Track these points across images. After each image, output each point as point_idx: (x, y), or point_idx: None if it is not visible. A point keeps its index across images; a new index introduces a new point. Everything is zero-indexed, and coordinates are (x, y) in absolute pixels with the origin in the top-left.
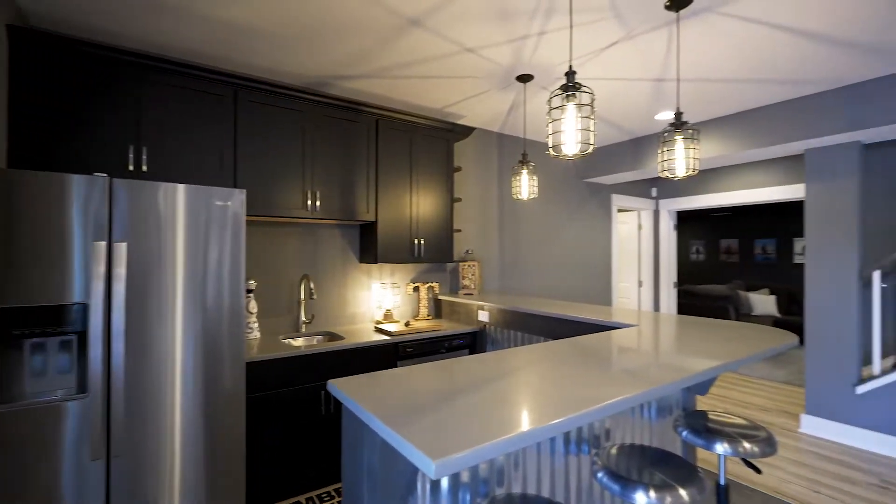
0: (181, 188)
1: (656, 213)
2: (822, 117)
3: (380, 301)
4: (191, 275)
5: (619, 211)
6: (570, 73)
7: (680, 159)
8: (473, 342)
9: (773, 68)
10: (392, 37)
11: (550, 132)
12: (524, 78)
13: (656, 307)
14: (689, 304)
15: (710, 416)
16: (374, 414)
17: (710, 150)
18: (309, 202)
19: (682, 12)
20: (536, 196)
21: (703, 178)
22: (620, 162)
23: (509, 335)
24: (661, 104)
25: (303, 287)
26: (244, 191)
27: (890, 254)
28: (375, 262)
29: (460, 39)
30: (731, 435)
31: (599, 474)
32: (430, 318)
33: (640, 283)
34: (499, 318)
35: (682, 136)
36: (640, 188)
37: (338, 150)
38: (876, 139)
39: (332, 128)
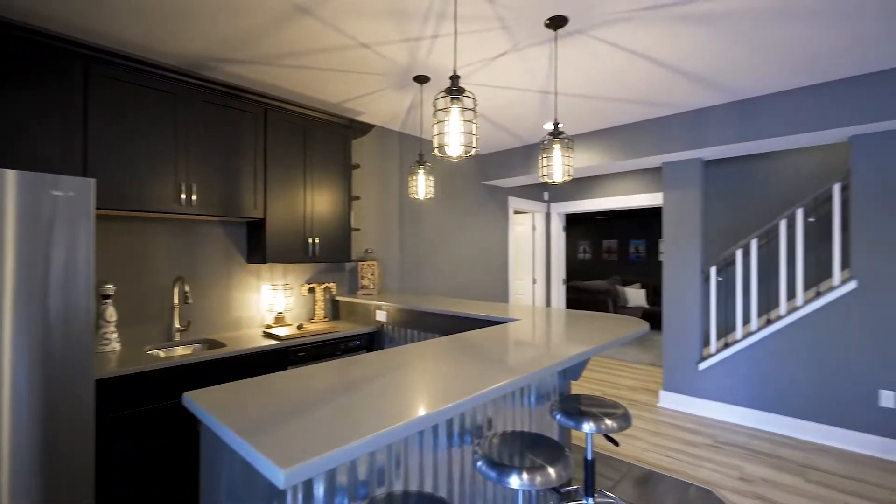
0: (10, 174)
1: (548, 216)
2: (672, 136)
3: (271, 304)
4: (24, 277)
5: (516, 213)
6: (455, 78)
7: (557, 166)
8: (371, 342)
9: (635, 90)
10: (280, 21)
11: (436, 133)
12: (421, 79)
13: (548, 302)
14: (577, 298)
15: (582, 399)
16: (229, 425)
17: (588, 160)
18: (183, 195)
19: (559, 31)
20: (433, 196)
21: (587, 185)
22: (515, 166)
23: (406, 334)
24: (547, 115)
25: (176, 290)
26: (93, 180)
27: (722, 252)
28: (265, 262)
29: (354, 33)
30: (595, 414)
31: (479, 463)
32: (326, 319)
33: (534, 281)
34: (396, 317)
35: (559, 145)
36: (534, 192)
37: (220, 140)
38: (713, 157)
39: (213, 114)
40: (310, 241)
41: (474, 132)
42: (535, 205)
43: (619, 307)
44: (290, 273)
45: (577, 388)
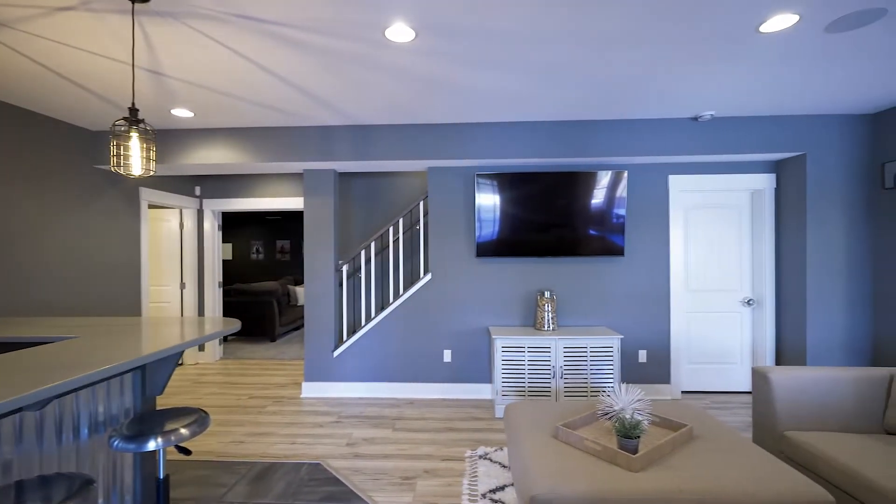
0: None
1: (200, 213)
2: (309, 146)
3: None
4: None
5: (152, 207)
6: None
7: (136, 157)
8: None
9: (266, 96)
10: None
11: None
12: None
13: (200, 309)
14: (241, 301)
15: (154, 416)
16: None
17: (229, 157)
18: None
19: (141, 6)
20: None
21: (247, 183)
22: None
23: None
24: (175, 101)
25: None
26: None
27: (351, 253)
28: None
29: None
30: (164, 430)
31: None
32: None
33: (182, 285)
34: None
35: (137, 134)
36: (181, 185)
37: None
38: (346, 170)
39: None
40: None
41: None
42: (184, 200)
43: (290, 306)
44: None
45: (220, 396)
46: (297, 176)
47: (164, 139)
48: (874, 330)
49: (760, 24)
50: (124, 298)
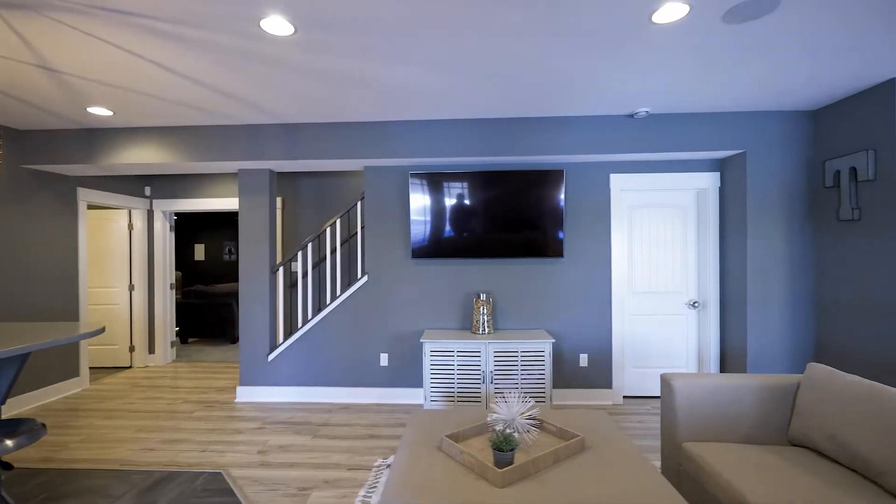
0: None
1: (150, 213)
2: (238, 146)
3: None
4: None
5: (95, 207)
6: None
7: None
8: None
9: (171, 93)
10: None
11: None
12: None
13: (150, 310)
14: (201, 303)
15: None
16: None
17: (163, 157)
18: None
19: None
20: None
21: (201, 183)
22: (72, 152)
23: None
24: (87, 99)
25: None
26: None
27: (290, 255)
28: None
29: None
30: None
31: None
32: None
33: (131, 287)
34: None
35: None
36: (129, 185)
37: None
38: (283, 169)
39: None
40: None
41: None
42: (132, 200)
43: None
44: None
45: (153, 401)
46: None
47: (89, 138)
48: (817, 333)
49: (652, 13)
50: (60, 301)
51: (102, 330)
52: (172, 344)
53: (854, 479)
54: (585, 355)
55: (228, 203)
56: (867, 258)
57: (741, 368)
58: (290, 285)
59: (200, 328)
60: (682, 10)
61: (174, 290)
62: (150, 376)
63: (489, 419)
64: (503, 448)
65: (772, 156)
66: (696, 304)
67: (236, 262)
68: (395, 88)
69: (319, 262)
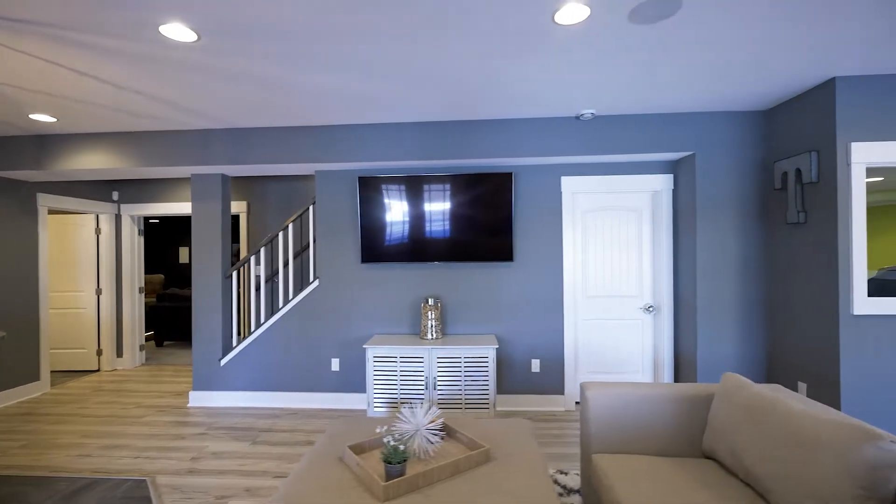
0: None
1: (119, 218)
2: (186, 151)
3: None
4: None
5: (57, 213)
6: None
7: None
8: None
9: (103, 100)
10: None
11: None
12: None
13: (119, 314)
14: (175, 306)
15: None
16: None
17: (113, 162)
18: None
19: None
20: None
21: (169, 187)
22: (24, 158)
23: None
24: (25, 106)
25: None
26: None
27: (244, 259)
28: None
29: None
30: None
31: None
32: None
33: (99, 291)
34: None
35: None
36: (95, 190)
37: None
38: (234, 174)
39: None
40: None
41: None
42: (98, 205)
43: None
44: None
45: (108, 405)
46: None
47: (40, 144)
48: (768, 338)
49: (554, 14)
50: (19, 305)
51: (2, 336)
52: (142, 347)
53: (749, 495)
54: (538, 361)
55: (186, 207)
56: (812, 262)
57: (693, 376)
58: (255, 289)
59: (175, 331)
60: (583, 12)
61: (143, 294)
62: (115, 380)
63: (378, 430)
64: (392, 460)
65: (722, 157)
66: (651, 309)
67: None
68: (325, 93)
69: (285, 266)
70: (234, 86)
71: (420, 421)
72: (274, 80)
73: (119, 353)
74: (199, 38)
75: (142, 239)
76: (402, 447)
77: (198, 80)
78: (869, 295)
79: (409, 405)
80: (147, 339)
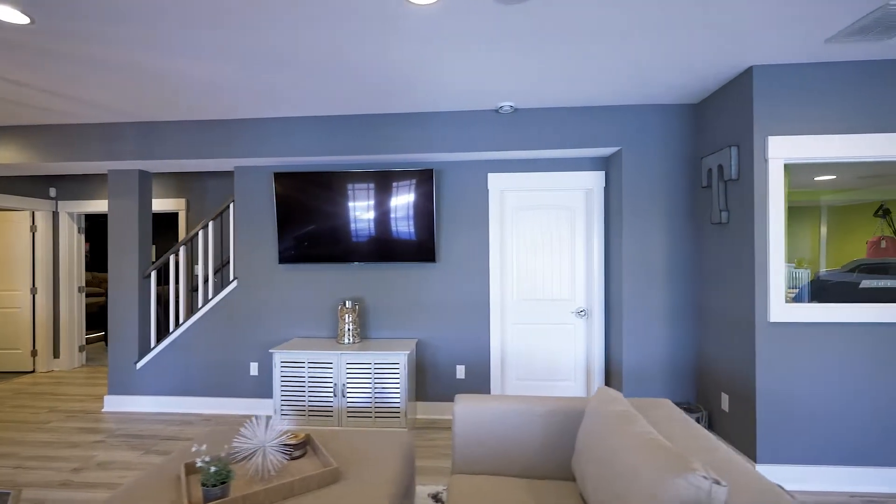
0: None
1: (56, 215)
2: (90, 145)
3: None
4: None
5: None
6: None
7: None
8: None
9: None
10: None
11: None
12: None
13: (56, 314)
14: None
15: None
16: None
17: (18, 157)
18: None
19: None
20: None
21: (102, 184)
22: None
23: None
24: None
25: None
26: None
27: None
28: None
29: None
30: None
31: None
32: None
33: (34, 290)
34: None
35: None
36: (32, 186)
37: None
38: (152, 169)
39: None
40: None
41: None
42: (34, 202)
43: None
44: None
45: (20, 410)
46: (170, 175)
47: None
48: (698, 344)
49: None
50: None
51: None
52: (81, 348)
53: None
54: (462, 367)
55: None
56: (733, 265)
57: (618, 382)
58: (192, 290)
59: None
60: None
61: (83, 293)
62: (45, 382)
63: (194, 449)
64: (208, 483)
65: (651, 153)
66: (583, 313)
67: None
68: (203, 83)
69: (222, 267)
70: (97, 74)
71: (263, 436)
72: (130, 66)
73: (56, 354)
74: (32, 22)
75: (82, 237)
76: (220, 468)
77: (52, 67)
78: (811, 298)
79: (254, 418)
80: (97, 339)
